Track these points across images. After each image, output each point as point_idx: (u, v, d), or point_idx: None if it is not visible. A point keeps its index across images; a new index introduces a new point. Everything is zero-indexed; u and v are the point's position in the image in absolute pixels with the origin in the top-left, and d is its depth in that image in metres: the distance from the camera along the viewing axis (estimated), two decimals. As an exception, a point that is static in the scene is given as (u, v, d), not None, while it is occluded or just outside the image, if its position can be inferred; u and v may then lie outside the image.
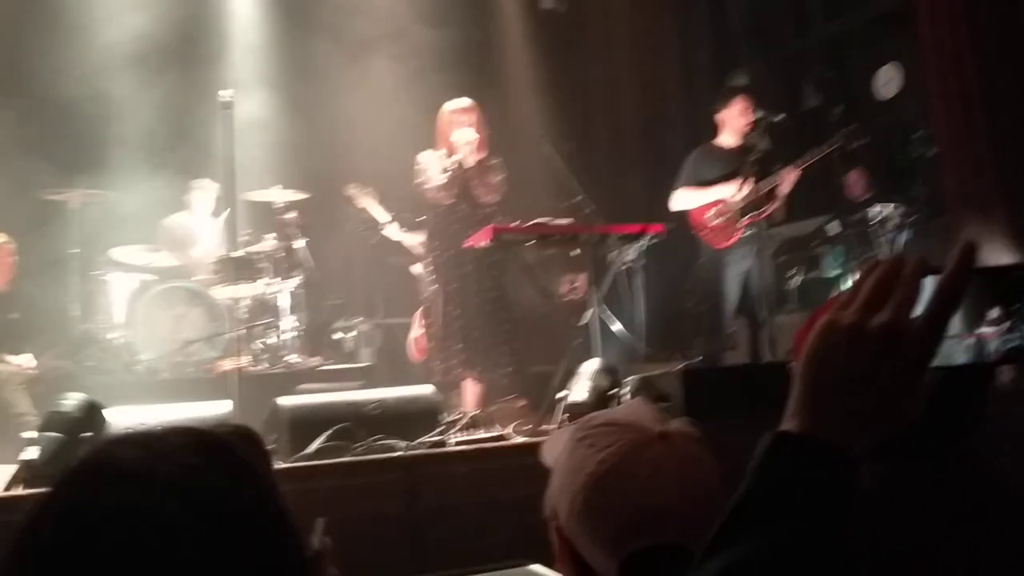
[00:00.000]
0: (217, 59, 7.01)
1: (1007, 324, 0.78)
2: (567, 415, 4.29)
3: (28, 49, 6.90)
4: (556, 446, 1.34)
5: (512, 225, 5.10)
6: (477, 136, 5.32)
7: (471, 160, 5.30)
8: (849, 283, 6.38)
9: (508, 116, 7.70)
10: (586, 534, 1.19)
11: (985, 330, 0.79)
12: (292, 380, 6.22)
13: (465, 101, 5.47)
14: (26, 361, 5.76)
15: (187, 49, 7.32)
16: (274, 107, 7.13)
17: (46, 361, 5.92)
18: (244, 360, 5.61)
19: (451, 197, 5.32)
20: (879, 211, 6.55)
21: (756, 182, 5.62)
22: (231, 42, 7.22)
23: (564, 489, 1.23)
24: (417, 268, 5.99)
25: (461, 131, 5.31)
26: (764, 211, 5.80)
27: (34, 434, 3.60)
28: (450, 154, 5.35)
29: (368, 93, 7.70)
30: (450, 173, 5.29)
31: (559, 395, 4.74)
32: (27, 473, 3.42)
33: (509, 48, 8.47)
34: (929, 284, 0.76)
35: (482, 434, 4.34)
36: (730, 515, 0.72)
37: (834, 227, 6.57)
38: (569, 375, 4.77)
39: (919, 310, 0.74)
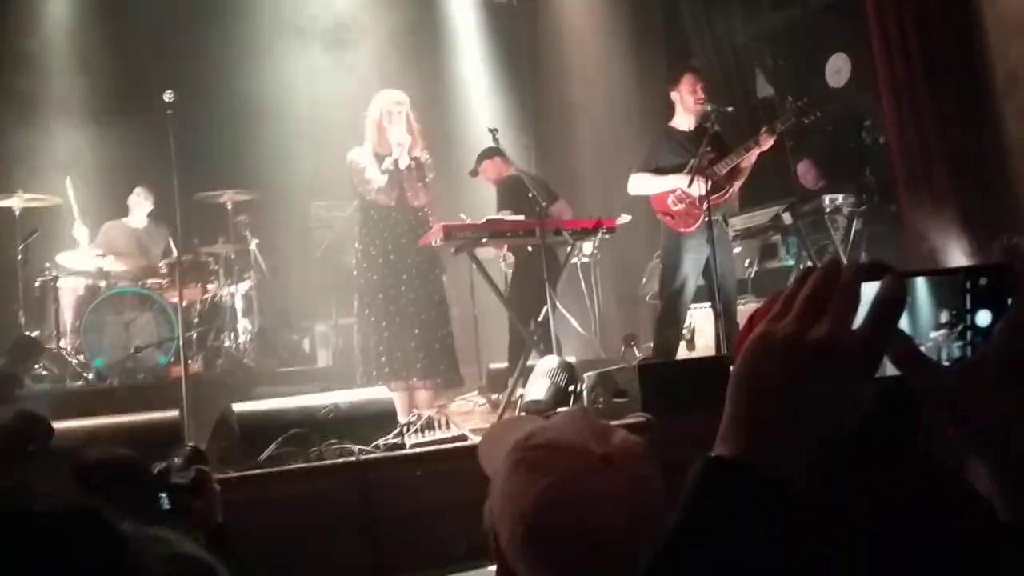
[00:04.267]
0: (160, 58, 6.87)
1: (958, 328, 0.75)
2: (524, 414, 4.25)
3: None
4: (494, 453, 1.29)
5: (464, 223, 5.02)
6: (411, 136, 5.16)
7: (406, 159, 5.13)
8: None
9: (456, 110, 7.67)
10: (527, 563, 1.15)
11: (935, 335, 0.76)
12: (248, 384, 6.12)
13: (398, 94, 5.27)
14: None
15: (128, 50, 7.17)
16: (219, 106, 7.00)
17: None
18: (196, 365, 5.49)
19: (391, 199, 5.17)
20: (831, 200, 6.60)
21: (712, 165, 5.60)
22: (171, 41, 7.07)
23: (503, 514, 1.18)
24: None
25: (395, 128, 5.11)
26: (725, 192, 5.79)
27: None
28: (382, 151, 5.17)
29: (312, 87, 7.63)
30: (389, 174, 5.09)
31: (517, 393, 4.72)
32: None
33: (458, 40, 8.41)
34: (867, 290, 0.72)
35: (439, 435, 4.28)
36: (662, 547, 0.68)
37: (787, 216, 6.60)
38: (526, 372, 4.74)
39: (857, 320, 0.71)
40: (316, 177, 7.20)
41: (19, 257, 6.46)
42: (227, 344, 6.83)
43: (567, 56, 8.52)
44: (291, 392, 5.66)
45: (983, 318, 0.74)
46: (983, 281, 0.74)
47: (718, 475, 0.68)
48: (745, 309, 6.72)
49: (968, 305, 0.75)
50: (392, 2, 8.33)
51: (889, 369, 0.74)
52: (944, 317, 0.76)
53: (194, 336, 6.54)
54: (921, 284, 0.76)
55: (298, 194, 7.41)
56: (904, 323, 0.74)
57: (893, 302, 0.70)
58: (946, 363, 0.75)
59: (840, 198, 6.63)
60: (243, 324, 6.90)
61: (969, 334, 0.75)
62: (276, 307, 7.42)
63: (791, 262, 6.68)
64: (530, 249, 5.85)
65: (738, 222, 7.09)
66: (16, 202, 6.44)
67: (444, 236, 4.85)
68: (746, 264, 7.24)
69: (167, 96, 4.67)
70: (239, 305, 6.92)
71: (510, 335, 6.30)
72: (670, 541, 0.68)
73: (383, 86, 5.53)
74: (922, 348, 0.75)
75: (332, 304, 6.37)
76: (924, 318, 0.76)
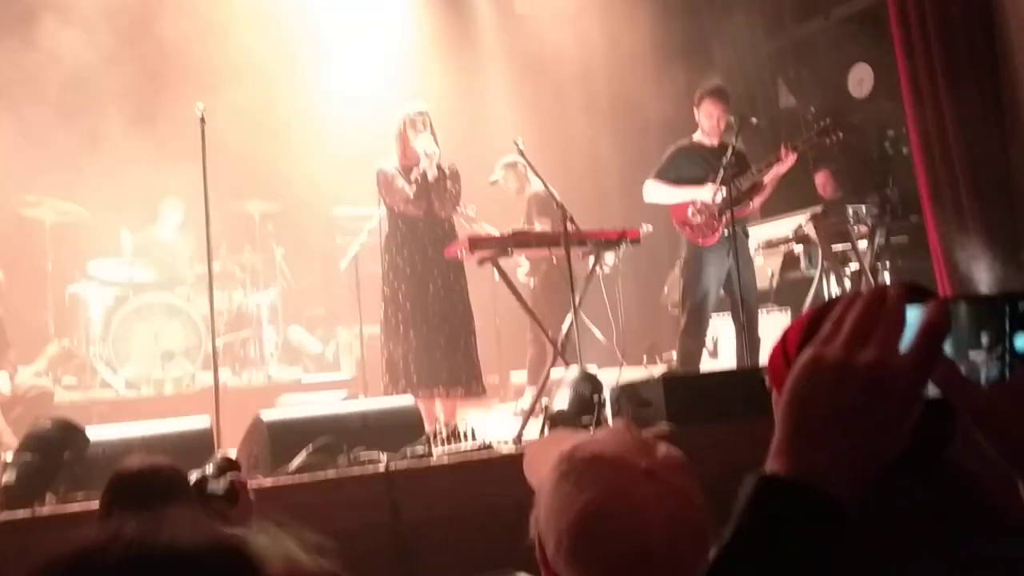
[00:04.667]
0: (192, 73, 6.97)
1: (997, 351, 0.78)
2: (549, 423, 4.28)
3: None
4: (539, 466, 1.33)
5: (489, 234, 5.04)
6: (436, 147, 5.20)
7: (434, 171, 5.17)
8: (825, 284, 6.45)
9: (480, 120, 7.72)
10: (572, 574, 1.19)
11: (974, 356, 0.79)
12: (273, 392, 6.19)
13: (421, 106, 5.32)
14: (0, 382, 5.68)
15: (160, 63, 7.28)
16: (248, 118, 7.09)
17: (21, 381, 5.84)
18: (223, 374, 5.56)
19: (419, 210, 5.22)
20: (854, 211, 6.60)
21: (733, 179, 5.63)
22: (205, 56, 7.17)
23: (550, 526, 1.22)
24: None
25: (421, 139, 5.15)
26: (746, 207, 5.83)
27: (10, 457, 3.55)
28: (409, 163, 5.22)
29: (336, 97, 7.72)
30: (417, 185, 5.14)
31: (541, 403, 4.75)
32: (3, 497, 3.38)
33: (482, 49, 8.47)
34: (912, 314, 0.76)
35: (464, 445, 4.32)
36: (716, 561, 0.71)
37: (809, 227, 6.60)
38: (549, 382, 4.77)
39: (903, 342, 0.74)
40: (341, 186, 7.27)
41: (49, 266, 6.57)
42: (253, 352, 6.92)
43: (588, 66, 8.56)
44: (316, 400, 5.74)
45: (1021, 342, 0.77)
46: (1022, 306, 0.78)
47: (772, 492, 0.71)
48: (768, 319, 6.73)
49: (1007, 328, 0.78)
50: (416, 12, 8.42)
51: (930, 389, 0.77)
52: (984, 340, 0.79)
53: (221, 344, 6.62)
54: (961, 306, 0.79)
55: (323, 203, 7.49)
56: (945, 345, 0.77)
57: (938, 327, 0.73)
58: (985, 385, 0.78)
59: (863, 209, 6.64)
60: (268, 332, 6.98)
61: (1008, 357, 0.78)
62: (301, 316, 7.50)
63: (814, 272, 6.68)
64: (555, 260, 5.89)
65: (759, 232, 7.10)
66: (46, 212, 6.55)
67: (470, 247, 4.89)
68: (768, 274, 7.25)
69: (198, 109, 4.73)
70: (264, 314, 7.00)
71: (532, 346, 6.34)
72: (724, 556, 0.71)
73: (407, 96, 5.59)
74: (962, 369, 0.78)
75: (357, 313, 6.43)
76: (964, 340, 0.79)
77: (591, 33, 8.40)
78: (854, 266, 6.56)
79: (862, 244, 6.55)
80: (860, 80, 7.99)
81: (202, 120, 4.70)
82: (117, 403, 6.18)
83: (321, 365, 7.18)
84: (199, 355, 6.62)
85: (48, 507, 3.39)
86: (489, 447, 4.31)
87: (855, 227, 6.59)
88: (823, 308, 1.18)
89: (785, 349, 1.23)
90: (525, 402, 5.67)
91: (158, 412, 5.80)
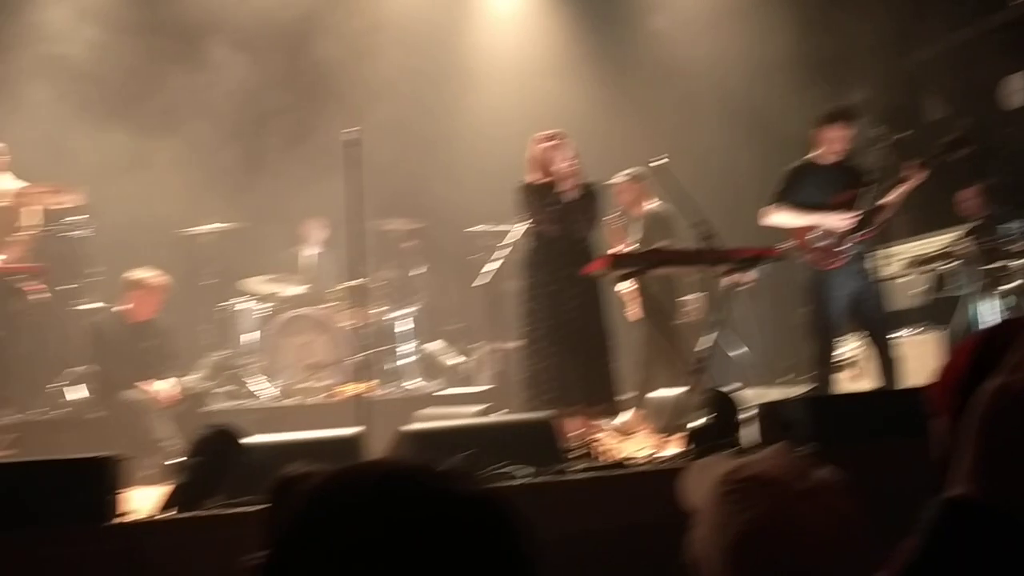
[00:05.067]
0: (344, 94, 7.31)
1: None
2: (692, 443, 4.27)
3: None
4: (697, 489, 1.38)
5: (629, 252, 5.07)
6: (577, 169, 5.29)
7: (573, 193, 5.28)
8: (979, 303, 6.18)
9: (617, 137, 7.76)
10: None
11: None
12: (412, 405, 6.39)
13: (555, 132, 5.42)
14: (165, 388, 6.06)
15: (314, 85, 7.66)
16: (393, 137, 7.37)
17: (183, 387, 6.22)
18: (367, 386, 5.79)
19: (559, 230, 5.31)
20: (1007, 227, 6.30)
21: (860, 199, 5.47)
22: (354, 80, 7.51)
23: (710, 545, 1.27)
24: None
25: (560, 162, 5.27)
26: (873, 229, 5.65)
27: (182, 460, 3.82)
28: (549, 181, 5.33)
29: (476, 116, 7.93)
30: (557, 207, 5.26)
31: (682, 421, 4.74)
32: (178, 497, 3.63)
33: (619, 65, 8.51)
34: None
35: (599, 463, 4.35)
36: None
37: (961, 245, 6.35)
38: (689, 400, 4.76)
39: None
40: (480, 204, 7.46)
41: (208, 281, 6.99)
42: (394, 366, 7.17)
43: (724, 79, 8.48)
44: (454, 413, 5.89)
45: None
46: None
47: (962, 516, 0.74)
48: (913, 340, 6.50)
49: None
50: (553, 32, 8.55)
51: None
52: None
53: (363, 358, 6.89)
54: None
55: (462, 221, 7.69)
56: None
57: None
58: None
59: (1018, 225, 6.34)
60: (409, 347, 7.22)
61: None
62: (440, 330, 7.71)
63: (965, 291, 6.42)
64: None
65: (905, 249, 6.87)
66: (202, 228, 6.97)
67: (609, 265, 4.94)
68: (914, 293, 7.01)
69: (347, 132, 4.95)
70: (405, 328, 7.25)
71: (644, 368, 6.33)
72: (911, 573, 0.74)
73: (545, 114, 5.69)
74: None
75: (494, 328, 6.58)
76: None
77: (728, 45, 8.33)
78: (1008, 285, 6.26)
79: (1017, 263, 6.25)
80: (1014, 90, 7.64)
81: (353, 142, 4.91)
82: (267, 411, 6.50)
83: (459, 379, 7.36)
84: (344, 367, 6.90)
85: (215, 508, 3.62)
86: (622, 465, 4.34)
87: (1009, 245, 6.30)
88: (991, 333, 1.18)
89: (952, 374, 1.23)
90: (659, 421, 5.67)
91: (305, 421, 6.09)
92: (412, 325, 7.26)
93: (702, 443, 4.27)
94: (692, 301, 6.62)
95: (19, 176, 6.48)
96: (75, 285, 6.51)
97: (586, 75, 8.42)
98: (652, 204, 6.53)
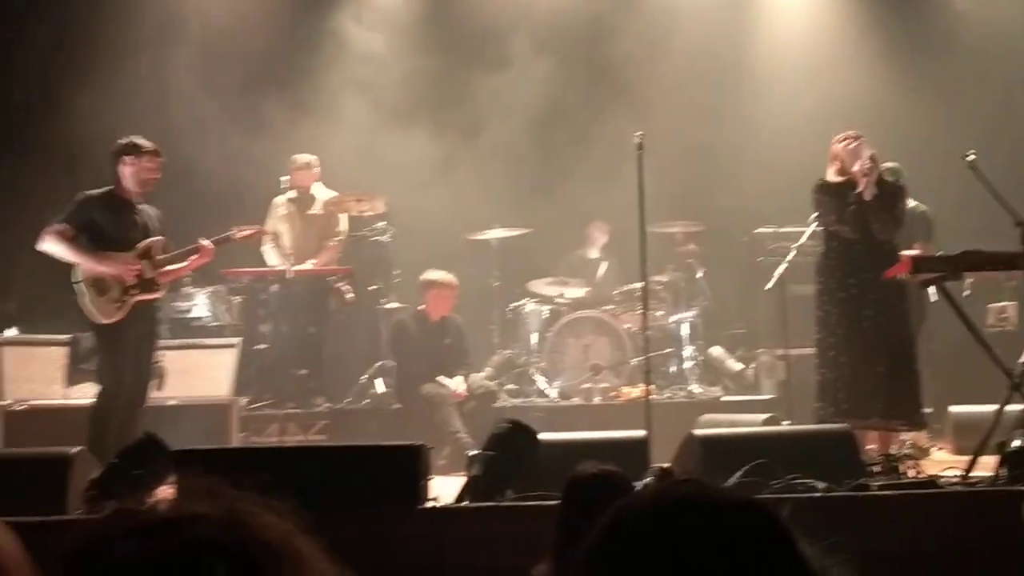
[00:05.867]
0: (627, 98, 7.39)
1: None
2: (1006, 466, 3.91)
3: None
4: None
5: (934, 255, 4.73)
6: (876, 169, 5.02)
7: (870, 192, 4.99)
8: None
9: (919, 129, 7.24)
10: None
11: None
12: (693, 410, 6.31)
13: (851, 132, 5.17)
14: (458, 384, 6.41)
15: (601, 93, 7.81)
16: (676, 140, 7.34)
17: (471, 384, 6.54)
18: (648, 388, 5.80)
19: (855, 232, 5.05)
20: None
21: None
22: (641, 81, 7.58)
23: None
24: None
25: (855, 157, 5.03)
26: None
27: (478, 452, 4.02)
28: (848, 181, 5.09)
29: (767, 118, 7.73)
30: (853, 207, 5.01)
31: (996, 441, 4.35)
32: (474, 487, 3.82)
33: (921, 55, 7.93)
34: None
35: (905, 479, 4.09)
36: None
37: None
38: (1007, 418, 4.35)
39: None
40: (766, 205, 7.25)
41: (496, 284, 7.29)
42: (674, 369, 7.12)
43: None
44: (738, 420, 5.75)
45: None
46: None
47: None
48: None
49: None
50: (842, 26, 8.15)
51: None
52: None
53: (644, 361, 6.90)
54: None
55: (745, 223, 7.50)
56: None
57: None
58: None
59: None
60: (689, 351, 7.15)
61: None
62: (721, 335, 7.57)
63: None
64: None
65: None
66: (494, 234, 7.28)
67: (913, 269, 4.63)
68: None
69: (636, 137, 4.99)
70: (685, 332, 7.18)
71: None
72: None
73: (839, 111, 5.44)
74: None
75: (781, 334, 6.34)
76: None
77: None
78: None
79: None
80: None
81: (640, 147, 4.94)
82: (550, 409, 6.68)
83: (741, 386, 7.18)
84: (625, 369, 6.96)
85: (508, 500, 3.77)
86: (932, 483, 4.05)
87: None
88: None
89: None
90: (963, 439, 5.23)
91: (586, 421, 6.21)
92: (689, 330, 7.18)
93: (1017, 467, 3.92)
94: (1005, 309, 6.05)
95: (328, 186, 7.11)
96: (379, 286, 7.02)
97: (883, 66, 7.92)
98: (911, 203, 6.03)
